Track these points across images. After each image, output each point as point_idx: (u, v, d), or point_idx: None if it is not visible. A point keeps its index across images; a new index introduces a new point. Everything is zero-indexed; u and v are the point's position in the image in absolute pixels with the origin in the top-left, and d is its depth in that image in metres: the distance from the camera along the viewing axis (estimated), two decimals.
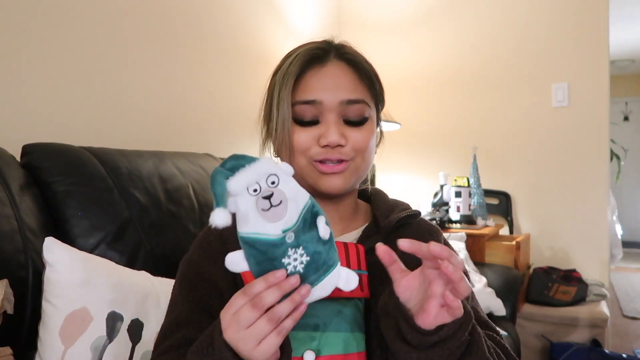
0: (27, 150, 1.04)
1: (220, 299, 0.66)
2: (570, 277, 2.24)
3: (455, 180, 2.31)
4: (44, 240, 0.83)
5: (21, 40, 1.19)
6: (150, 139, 1.54)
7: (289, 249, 0.51)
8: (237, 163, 0.51)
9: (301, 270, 0.51)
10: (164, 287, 0.91)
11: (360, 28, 2.81)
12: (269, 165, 0.52)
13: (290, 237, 0.51)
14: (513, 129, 2.53)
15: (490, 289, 1.85)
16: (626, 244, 4.44)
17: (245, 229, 0.50)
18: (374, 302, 0.65)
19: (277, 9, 2.24)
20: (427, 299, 0.53)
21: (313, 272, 0.52)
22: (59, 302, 0.80)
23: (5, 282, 0.76)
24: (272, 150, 0.75)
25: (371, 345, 0.64)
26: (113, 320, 0.82)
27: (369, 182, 0.79)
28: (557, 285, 2.19)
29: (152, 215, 1.10)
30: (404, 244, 0.53)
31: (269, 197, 0.50)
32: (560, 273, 2.26)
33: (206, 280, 0.68)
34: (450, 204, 2.31)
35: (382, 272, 0.59)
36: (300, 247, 0.51)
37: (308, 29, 2.47)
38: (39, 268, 0.85)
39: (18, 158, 1.03)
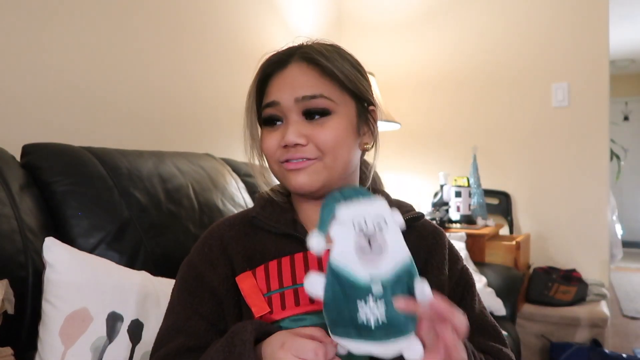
0: (27, 150, 1.04)
1: (219, 305, 0.67)
2: (570, 277, 2.23)
3: (455, 180, 2.31)
4: (44, 240, 0.83)
5: (20, 40, 1.19)
6: (150, 139, 1.54)
7: (370, 298, 0.48)
8: (354, 193, 0.50)
9: (372, 327, 0.48)
10: (164, 287, 0.91)
11: (360, 28, 2.81)
12: (383, 209, 0.50)
13: (377, 289, 0.48)
14: (513, 128, 2.53)
15: (490, 289, 1.85)
16: (626, 244, 4.44)
17: (337, 257, 0.49)
18: None
19: (277, 9, 2.24)
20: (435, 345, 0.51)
21: (382, 334, 0.48)
22: (59, 303, 0.80)
23: (5, 282, 0.76)
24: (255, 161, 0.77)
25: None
26: (113, 320, 0.82)
27: (369, 181, 0.76)
28: (557, 285, 2.19)
29: (152, 215, 1.10)
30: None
31: (369, 239, 0.49)
32: (560, 273, 2.26)
33: (205, 286, 0.68)
34: (450, 203, 2.31)
35: None
36: (383, 303, 0.48)
37: (308, 29, 2.46)
38: (39, 268, 0.85)
39: (18, 158, 1.03)
